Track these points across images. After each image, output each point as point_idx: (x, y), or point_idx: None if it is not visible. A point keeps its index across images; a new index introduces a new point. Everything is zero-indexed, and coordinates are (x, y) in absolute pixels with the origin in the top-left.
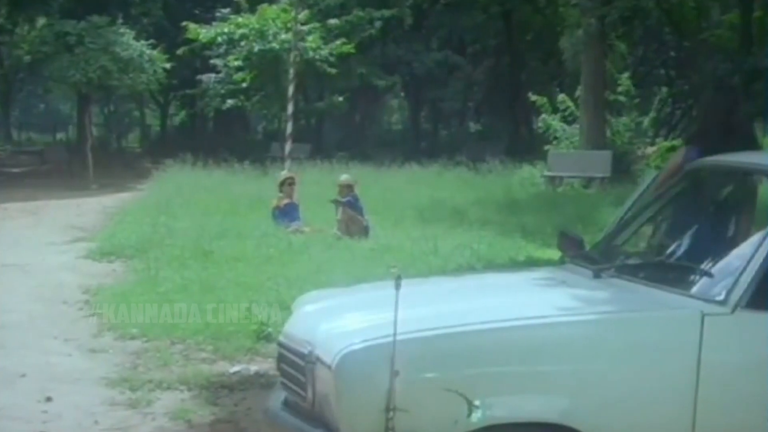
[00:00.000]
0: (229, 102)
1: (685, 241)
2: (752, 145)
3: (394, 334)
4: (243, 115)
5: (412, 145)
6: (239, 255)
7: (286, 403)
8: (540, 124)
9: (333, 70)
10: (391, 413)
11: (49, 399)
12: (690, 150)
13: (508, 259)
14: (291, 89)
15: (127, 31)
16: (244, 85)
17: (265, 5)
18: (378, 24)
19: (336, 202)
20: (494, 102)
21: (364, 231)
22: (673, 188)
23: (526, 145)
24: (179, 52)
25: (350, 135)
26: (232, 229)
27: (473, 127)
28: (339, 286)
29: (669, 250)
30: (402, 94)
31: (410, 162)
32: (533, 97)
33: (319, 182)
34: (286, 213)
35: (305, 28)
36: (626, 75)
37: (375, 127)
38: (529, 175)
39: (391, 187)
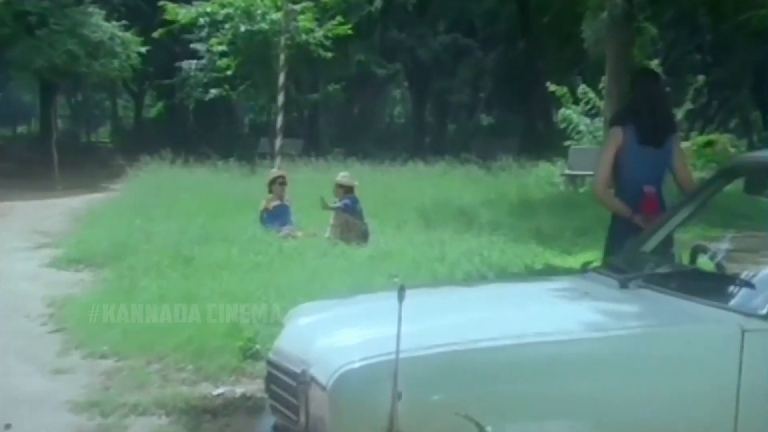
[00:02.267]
0: (212, 92)
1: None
2: (672, 120)
3: (397, 351)
4: (228, 107)
5: (415, 141)
6: (224, 262)
7: (276, 429)
8: (559, 118)
9: (328, 55)
10: None
11: (8, 426)
12: (627, 130)
13: (523, 267)
14: (281, 77)
15: (97, 11)
16: (229, 72)
17: None
18: (378, 3)
19: (329, 208)
20: (508, 93)
21: (363, 236)
22: (708, 187)
23: (543, 141)
24: (155, 34)
25: (347, 129)
26: (216, 233)
27: (484, 120)
28: (335, 297)
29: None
30: (405, 83)
31: (414, 159)
32: (551, 87)
33: (313, 181)
34: (276, 216)
35: (297, 7)
36: (656, 62)
37: (375, 121)
38: (546, 174)
39: (393, 186)
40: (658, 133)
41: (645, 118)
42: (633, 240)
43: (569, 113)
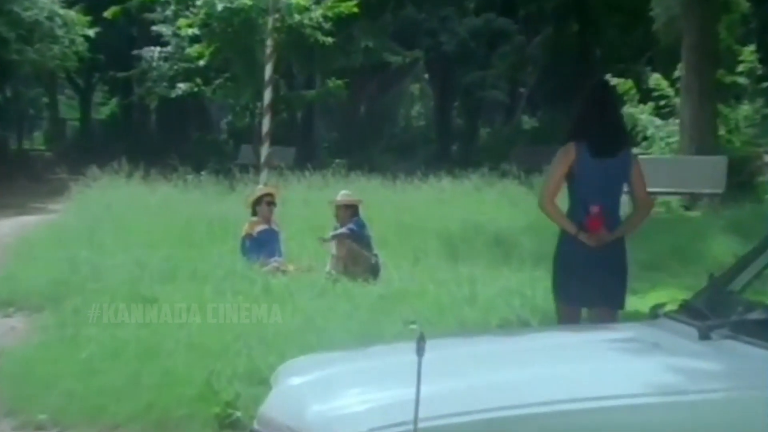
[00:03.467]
0: (180, 87)
1: None
2: (625, 134)
3: (415, 420)
4: (200, 106)
5: (439, 150)
6: (194, 305)
7: None
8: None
9: (328, 40)
10: None
11: None
12: (579, 145)
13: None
14: (268, 69)
15: None
16: (202, 62)
17: None
18: None
19: (324, 240)
20: (556, 88)
21: (372, 270)
22: None
23: None
24: (107, 14)
25: (352, 135)
26: (185, 267)
27: (526, 123)
28: (336, 350)
29: None
30: (425, 76)
31: (436, 173)
32: (612, 81)
33: (308, 201)
34: (262, 244)
35: None
36: (750, 48)
37: (387, 124)
38: None
39: (410, 208)
40: (610, 146)
41: (596, 130)
42: (717, 277)
43: (635, 113)
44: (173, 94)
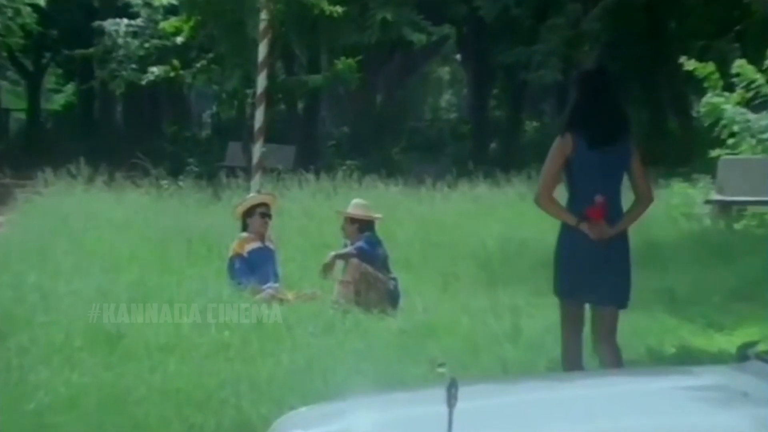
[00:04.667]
0: (153, 71)
1: None
2: (623, 122)
3: None
4: (177, 95)
5: (474, 148)
6: (170, 341)
7: None
8: (702, 111)
9: (337, 11)
10: None
11: None
12: (576, 135)
13: (645, 349)
14: (263, 48)
15: None
16: (180, 40)
17: None
18: None
19: (327, 269)
20: (621, 71)
21: (390, 298)
22: None
23: (676, 148)
24: None
25: (366, 130)
26: (158, 295)
27: None
28: (346, 398)
29: None
30: (457, 57)
31: (470, 177)
32: (690, 64)
33: (311, 212)
34: (254, 266)
35: None
36: None
37: (409, 117)
38: (682, 201)
39: (437, 221)
40: (608, 135)
41: (593, 119)
42: None
43: (719, 103)
44: (144, 80)
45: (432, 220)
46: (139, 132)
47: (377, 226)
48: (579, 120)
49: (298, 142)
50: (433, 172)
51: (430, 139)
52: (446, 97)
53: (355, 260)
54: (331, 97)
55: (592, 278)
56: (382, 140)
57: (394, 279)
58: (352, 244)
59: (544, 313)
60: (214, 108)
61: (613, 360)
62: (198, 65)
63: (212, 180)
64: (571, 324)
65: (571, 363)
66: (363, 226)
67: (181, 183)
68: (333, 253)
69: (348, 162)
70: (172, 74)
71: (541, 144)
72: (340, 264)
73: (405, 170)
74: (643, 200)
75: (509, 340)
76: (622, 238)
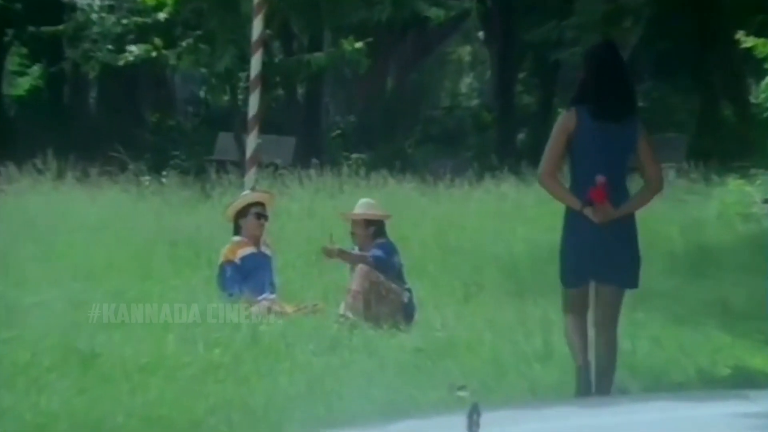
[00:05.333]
0: (132, 51)
1: None
2: (631, 100)
3: None
4: (159, 78)
5: (499, 139)
6: (152, 361)
7: None
8: (761, 95)
9: None
10: None
11: None
12: (580, 110)
13: (694, 370)
14: (258, 24)
15: None
16: (162, 15)
17: None
18: None
19: (329, 249)
20: (664, 49)
21: (403, 312)
22: None
23: (731, 138)
24: None
25: (375, 119)
26: (139, 307)
27: None
28: (353, 426)
29: None
30: (479, 34)
31: (495, 172)
32: (747, 41)
33: (313, 212)
34: (248, 274)
35: None
36: None
37: (425, 104)
38: (738, 200)
39: (457, 223)
40: (614, 108)
41: (597, 93)
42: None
43: None
44: (121, 61)
45: (451, 222)
46: (116, 121)
47: (387, 228)
48: (583, 94)
49: (299, 132)
50: (452, 167)
51: (448, 130)
52: (467, 81)
53: (364, 267)
54: (336, 81)
55: (595, 257)
56: (393, 131)
57: (409, 290)
58: (362, 251)
59: None
60: (202, 93)
61: (608, 351)
62: (183, 44)
63: (200, 176)
64: (574, 310)
65: (578, 350)
66: (376, 230)
67: (164, 179)
68: (340, 249)
69: (355, 155)
70: (153, 54)
71: None
72: (348, 271)
73: (420, 165)
74: (653, 184)
75: (539, 359)
76: (629, 220)
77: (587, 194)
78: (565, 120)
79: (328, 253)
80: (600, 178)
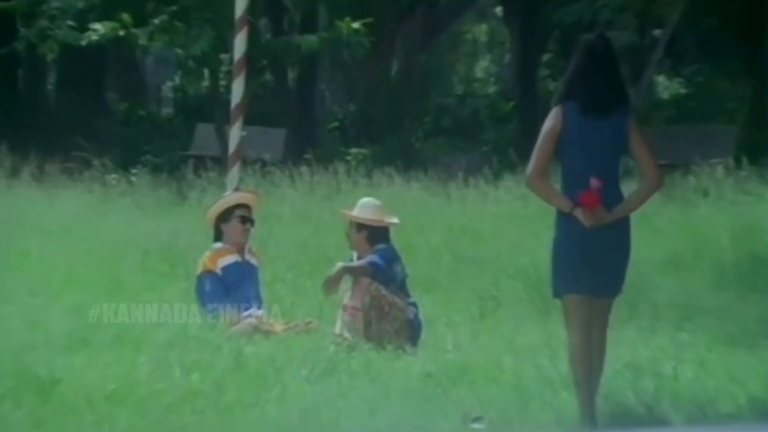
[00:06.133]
0: (97, 29)
1: None
2: (620, 93)
3: None
4: (127, 60)
5: (519, 131)
6: (120, 388)
7: None
8: None
9: None
10: None
11: None
12: (567, 106)
13: (746, 399)
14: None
15: None
16: None
17: None
18: None
19: (332, 284)
20: (713, 30)
21: (409, 330)
22: None
23: None
24: None
25: (378, 109)
26: (105, 326)
27: (663, 87)
28: None
29: None
30: (497, 11)
31: (514, 170)
32: None
33: (306, 216)
34: (231, 286)
35: None
36: None
37: (435, 92)
38: None
39: (472, 227)
40: (601, 103)
41: (584, 87)
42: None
43: None
44: (84, 40)
45: (465, 227)
46: (78, 110)
47: (393, 234)
48: (569, 88)
49: (290, 124)
50: (466, 163)
51: (461, 121)
52: (483, 65)
53: (365, 280)
54: (333, 65)
55: (592, 269)
56: (398, 122)
57: (414, 304)
58: (360, 257)
59: (612, 350)
60: (178, 79)
61: (600, 356)
62: (156, 21)
63: (175, 174)
64: (576, 322)
65: (582, 366)
66: (375, 234)
67: (134, 178)
68: (341, 264)
69: (354, 150)
70: (121, 33)
71: None
72: (348, 281)
73: (429, 161)
74: (650, 182)
75: (566, 386)
76: (624, 223)
77: (578, 197)
78: (551, 117)
79: (332, 281)
80: (595, 183)
